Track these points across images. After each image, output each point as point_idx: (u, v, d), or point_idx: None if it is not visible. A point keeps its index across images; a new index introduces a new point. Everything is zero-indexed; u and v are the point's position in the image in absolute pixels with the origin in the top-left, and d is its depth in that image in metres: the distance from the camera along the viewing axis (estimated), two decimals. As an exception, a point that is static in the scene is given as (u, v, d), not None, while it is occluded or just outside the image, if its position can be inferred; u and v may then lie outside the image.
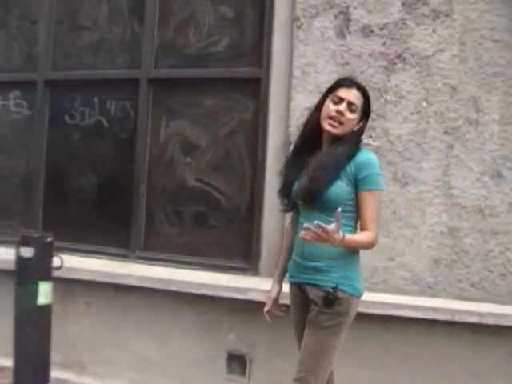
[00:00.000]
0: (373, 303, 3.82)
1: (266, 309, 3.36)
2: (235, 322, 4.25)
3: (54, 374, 4.21)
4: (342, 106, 2.99)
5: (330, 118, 3.00)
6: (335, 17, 4.11)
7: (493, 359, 3.77)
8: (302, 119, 4.00)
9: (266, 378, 4.20)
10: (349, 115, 3.01)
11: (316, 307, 2.98)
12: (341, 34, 4.10)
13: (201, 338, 4.33)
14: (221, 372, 4.29)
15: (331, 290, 2.93)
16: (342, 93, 3.02)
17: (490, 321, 3.71)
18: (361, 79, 3.91)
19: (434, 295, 3.91)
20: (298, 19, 4.17)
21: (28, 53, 5.25)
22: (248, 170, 4.49)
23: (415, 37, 3.99)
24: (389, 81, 3.99)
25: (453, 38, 3.94)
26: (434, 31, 3.96)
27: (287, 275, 3.28)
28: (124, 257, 4.75)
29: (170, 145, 4.71)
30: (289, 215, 3.49)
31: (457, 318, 3.75)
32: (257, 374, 4.24)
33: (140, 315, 4.51)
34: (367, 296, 3.85)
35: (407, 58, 3.99)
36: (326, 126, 3.03)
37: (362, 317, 3.79)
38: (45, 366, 4.17)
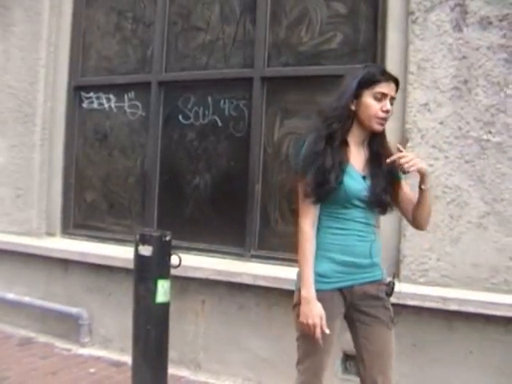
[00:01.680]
0: (495, 304, 3.74)
1: (318, 331, 2.77)
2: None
3: (170, 371, 4.26)
4: (389, 104, 2.85)
5: (378, 117, 2.84)
6: (451, 9, 4.01)
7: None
8: (419, 116, 3.98)
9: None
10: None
11: (378, 303, 2.93)
12: (457, 27, 3.99)
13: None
14: (336, 372, 4.27)
15: (392, 280, 2.98)
16: (384, 88, 2.84)
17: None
18: (479, 73, 3.86)
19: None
20: (413, 13, 4.09)
21: (142, 55, 5.39)
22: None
23: (537, 27, 3.85)
24: (509, 74, 3.86)
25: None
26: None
27: (320, 284, 2.85)
28: (239, 255, 4.81)
29: (284, 143, 4.73)
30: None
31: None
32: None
33: (254, 313, 4.55)
34: (489, 297, 3.80)
35: (528, 50, 3.86)
36: (375, 126, 2.86)
37: (485, 319, 3.74)
38: (163, 364, 4.23)
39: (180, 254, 4.17)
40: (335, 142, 2.82)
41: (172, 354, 4.37)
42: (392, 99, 2.88)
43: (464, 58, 3.97)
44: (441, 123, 3.99)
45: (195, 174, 5.09)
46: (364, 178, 2.89)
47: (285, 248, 4.62)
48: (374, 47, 4.38)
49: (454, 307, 3.83)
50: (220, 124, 4.98)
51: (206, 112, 5.03)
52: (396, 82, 2.90)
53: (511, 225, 3.84)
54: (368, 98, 2.84)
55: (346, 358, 4.26)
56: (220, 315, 4.67)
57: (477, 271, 3.91)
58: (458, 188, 3.92)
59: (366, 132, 2.92)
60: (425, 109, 4.02)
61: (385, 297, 2.95)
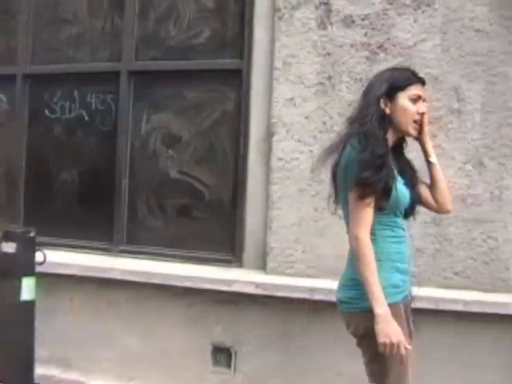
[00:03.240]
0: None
1: (403, 348, 2.57)
2: (221, 314, 4.24)
3: (40, 370, 4.18)
4: (424, 107, 2.80)
5: (415, 121, 2.80)
6: (316, 7, 4.10)
7: (477, 346, 3.80)
8: (285, 110, 4.04)
9: (252, 370, 4.20)
10: None
11: (410, 310, 2.88)
12: (322, 25, 4.09)
13: (186, 331, 4.32)
14: (206, 364, 4.28)
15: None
16: (419, 90, 2.80)
17: (475, 308, 3.72)
18: (342, 70, 3.97)
19: (419, 284, 3.90)
20: (279, 10, 4.15)
21: (7, 47, 5.21)
22: (231, 161, 4.49)
23: (397, 27, 3.98)
24: (370, 71, 3.95)
25: (434, 27, 3.93)
26: (415, 21, 3.96)
27: (396, 296, 2.71)
28: (107, 251, 4.74)
29: (152, 138, 4.70)
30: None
31: (441, 307, 3.76)
32: (242, 367, 4.24)
33: (124, 309, 4.48)
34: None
35: (389, 49, 3.98)
36: (411, 130, 2.81)
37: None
38: (29, 363, 4.13)
39: (47, 251, 4.09)
40: (379, 142, 2.67)
41: (41, 352, 4.28)
42: (424, 101, 2.83)
43: (328, 54, 4.07)
44: (306, 118, 4.07)
45: (62, 169, 4.98)
46: (405, 184, 2.83)
47: (154, 242, 4.63)
48: (242, 42, 4.42)
49: (320, 297, 3.91)
50: (87, 118, 4.90)
51: (73, 106, 4.92)
52: (424, 83, 2.88)
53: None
54: (404, 101, 2.76)
55: (216, 350, 4.28)
56: (90, 312, 4.57)
57: (342, 262, 4.00)
58: (323, 181, 4.00)
59: (398, 137, 2.86)
60: (290, 103, 4.09)
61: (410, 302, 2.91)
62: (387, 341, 2.53)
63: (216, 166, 4.54)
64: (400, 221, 2.81)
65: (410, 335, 2.75)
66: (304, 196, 4.05)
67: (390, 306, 2.60)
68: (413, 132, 2.82)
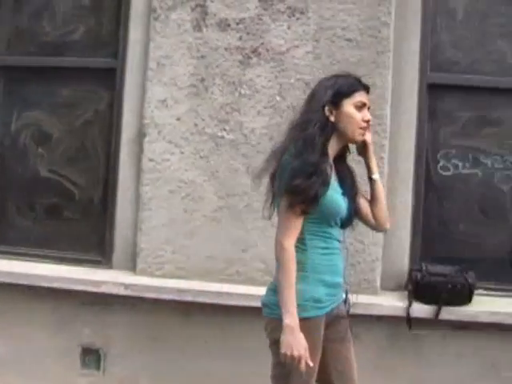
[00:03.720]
0: (229, 295, 3.90)
1: (303, 363, 2.52)
2: (90, 315, 4.17)
3: None
4: (369, 114, 2.77)
5: (361, 128, 2.74)
6: (192, 9, 4.09)
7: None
8: (157, 111, 4.03)
9: (122, 372, 4.16)
10: None
11: (345, 320, 2.88)
12: (198, 27, 4.09)
13: (54, 333, 4.23)
14: (75, 367, 4.21)
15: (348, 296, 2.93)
16: (363, 97, 2.76)
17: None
18: (216, 72, 3.98)
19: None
20: (155, 11, 4.12)
21: None
22: (102, 161, 4.42)
23: (271, 32, 4.03)
24: (244, 75, 4.02)
25: (307, 35, 4.01)
26: (289, 28, 4.02)
27: (316, 310, 2.67)
28: (-27, 251, 4.58)
29: (22, 135, 4.55)
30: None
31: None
32: (112, 369, 4.19)
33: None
34: (223, 288, 3.93)
35: (262, 53, 4.03)
36: (358, 136, 2.76)
37: (218, 308, 3.86)
38: None
39: None
40: (316, 149, 2.62)
41: None
42: (368, 109, 2.78)
43: (202, 57, 4.07)
44: (178, 119, 4.06)
45: None
46: (343, 194, 2.78)
47: (22, 242, 4.51)
48: (116, 42, 4.35)
49: (189, 298, 3.93)
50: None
51: None
52: (368, 91, 2.84)
53: (243, 219, 4.01)
54: (349, 108, 2.71)
55: (85, 352, 4.21)
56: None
57: (212, 263, 4.04)
58: (193, 183, 4.02)
59: (341, 145, 2.80)
60: (162, 105, 4.07)
61: (345, 314, 2.90)
62: (288, 352, 2.50)
63: (87, 166, 4.46)
64: (334, 231, 2.76)
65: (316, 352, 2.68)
66: (174, 197, 4.05)
67: (308, 319, 2.59)
68: (359, 138, 2.77)
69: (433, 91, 4.20)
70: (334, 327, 2.78)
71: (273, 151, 2.81)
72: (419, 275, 3.87)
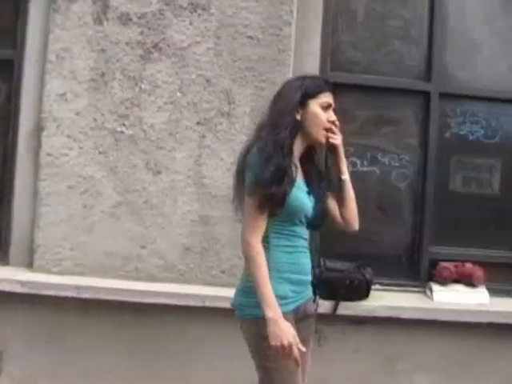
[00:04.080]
0: (127, 291, 3.86)
1: (296, 350, 2.51)
2: (-15, 314, 4.07)
3: None
4: (333, 115, 2.80)
5: (325, 129, 2.77)
6: (93, 2, 4.03)
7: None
8: (55, 105, 3.96)
9: (20, 372, 4.06)
10: None
11: (312, 319, 2.91)
12: (98, 20, 4.03)
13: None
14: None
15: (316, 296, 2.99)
16: (329, 98, 2.79)
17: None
18: (116, 67, 3.95)
19: (186, 282, 3.99)
20: (55, 2, 4.03)
21: None
22: (-1, 155, 4.32)
23: (172, 28, 4.02)
24: (144, 70, 3.99)
25: (209, 31, 4.03)
26: (190, 23, 4.02)
27: (282, 307, 2.61)
28: None
29: None
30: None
31: (208, 304, 3.85)
32: (9, 368, 4.08)
33: None
34: (122, 284, 3.90)
35: (163, 49, 4.01)
36: (321, 137, 2.78)
37: (116, 305, 3.82)
38: None
39: None
40: (285, 152, 2.63)
41: None
42: (333, 110, 2.80)
43: (103, 51, 4.02)
44: (77, 114, 3.99)
45: None
46: (309, 193, 2.79)
47: None
48: (15, 32, 4.23)
49: (88, 295, 3.87)
50: None
51: None
52: (333, 92, 2.82)
53: (142, 215, 3.99)
54: (315, 108, 2.73)
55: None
56: None
57: (110, 260, 4.00)
58: (92, 178, 3.97)
59: (306, 145, 2.81)
60: (61, 99, 3.99)
61: (313, 312, 2.93)
62: (278, 343, 2.49)
63: (-18, 159, 4.33)
64: (300, 230, 2.77)
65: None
66: (73, 193, 3.98)
67: None
68: (322, 139, 2.78)
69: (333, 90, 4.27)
70: (300, 325, 2.75)
71: (240, 153, 2.84)
72: (318, 271, 3.93)
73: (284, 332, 2.49)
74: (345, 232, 4.16)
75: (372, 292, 4.02)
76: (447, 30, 4.51)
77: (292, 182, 2.63)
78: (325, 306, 3.89)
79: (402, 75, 4.43)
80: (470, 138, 4.53)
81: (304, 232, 2.81)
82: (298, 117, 2.71)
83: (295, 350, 2.49)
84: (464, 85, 4.53)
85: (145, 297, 3.85)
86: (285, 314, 2.59)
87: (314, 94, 2.73)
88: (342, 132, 4.09)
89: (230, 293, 3.84)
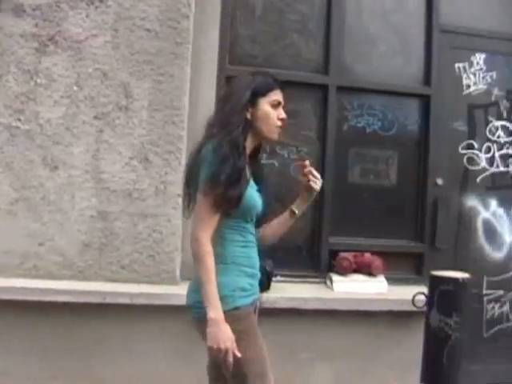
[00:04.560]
0: (26, 289, 3.77)
1: (231, 355, 2.51)
2: None
3: None
4: (283, 113, 2.79)
5: (277, 126, 2.77)
6: (-14, -9, 3.94)
7: (146, 337, 3.94)
8: None
9: None
10: None
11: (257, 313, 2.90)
12: (-8, 12, 3.94)
13: None
14: None
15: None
16: (279, 96, 2.79)
17: (142, 301, 3.83)
18: (11, 60, 3.85)
19: (86, 279, 3.94)
20: None
21: None
22: None
23: (69, 20, 3.95)
24: (40, 63, 3.91)
25: (106, 24, 3.98)
26: (87, 16, 3.97)
27: (244, 299, 2.67)
28: None
29: None
30: None
31: (109, 300, 3.81)
32: None
33: None
34: (21, 283, 3.81)
35: (59, 41, 3.94)
36: (273, 135, 2.79)
37: (16, 304, 3.73)
38: None
39: None
40: (240, 152, 2.62)
41: None
42: (283, 107, 2.79)
43: (-4, 43, 3.93)
44: (-27, 108, 3.89)
45: None
46: (259, 191, 2.79)
47: None
48: None
49: (-16, 296, 3.77)
50: None
51: None
52: (283, 89, 2.81)
53: (39, 211, 3.90)
54: (265, 106, 2.73)
55: None
56: None
57: (8, 258, 3.90)
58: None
59: (256, 143, 2.81)
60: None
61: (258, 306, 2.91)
62: (215, 346, 2.48)
63: None
64: (250, 226, 2.78)
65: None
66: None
67: (238, 309, 2.61)
68: (275, 136, 2.79)
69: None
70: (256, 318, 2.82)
71: (191, 153, 2.81)
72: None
73: (224, 335, 2.49)
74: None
75: (273, 284, 4.05)
76: (345, 24, 4.62)
77: (247, 182, 2.65)
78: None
79: (300, 69, 4.51)
80: (368, 130, 4.66)
81: (253, 228, 2.81)
82: (249, 116, 2.71)
83: (230, 356, 2.49)
84: (361, 78, 4.66)
85: (44, 295, 3.77)
86: (247, 307, 2.67)
87: (264, 93, 2.74)
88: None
89: (131, 288, 3.87)
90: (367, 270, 4.37)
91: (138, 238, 3.94)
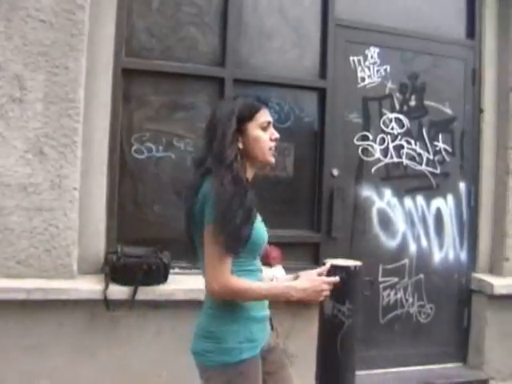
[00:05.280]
0: None
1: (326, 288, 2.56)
2: None
3: None
4: (275, 132, 2.61)
5: (270, 148, 2.58)
6: None
7: (43, 332, 3.88)
8: None
9: None
10: None
11: (278, 348, 2.79)
12: None
13: None
14: None
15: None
16: (266, 116, 2.60)
17: (38, 296, 3.77)
18: None
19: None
20: None
21: None
22: None
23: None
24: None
25: (-1, 14, 3.89)
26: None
27: (252, 350, 2.52)
28: None
29: None
30: None
31: (6, 297, 3.75)
32: None
33: None
34: None
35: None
36: (270, 158, 2.59)
37: None
38: None
39: None
40: (244, 186, 2.42)
41: None
42: (272, 125, 2.62)
43: None
44: None
45: None
46: (263, 221, 2.61)
47: None
48: None
49: None
50: None
51: None
52: (267, 105, 2.66)
53: None
54: (255, 131, 2.54)
55: None
56: None
57: None
58: None
59: (256, 168, 2.63)
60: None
61: (277, 341, 2.79)
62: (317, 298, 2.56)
63: None
64: (258, 262, 2.62)
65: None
66: None
67: (245, 361, 2.46)
68: (271, 159, 2.60)
69: (127, 76, 4.33)
70: (269, 359, 2.67)
71: (185, 191, 2.64)
72: (115, 257, 3.95)
73: (309, 287, 2.53)
74: (142, 217, 4.25)
75: (172, 276, 4.09)
76: (242, 17, 4.67)
77: (255, 217, 2.48)
78: (123, 291, 3.92)
79: (197, 61, 4.53)
80: (265, 122, 4.71)
81: (259, 263, 2.66)
82: (241, 145, 2.53)
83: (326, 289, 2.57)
84: (257, 71, 4.72)
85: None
86: (255, 358, 2.53)
87: (250, 117, 2.56)
88: (136, 117, 4.19)
89: (28, 284, 3.81)
90: (265, 261, 4.43)
91: (33, 232, 3.87)
